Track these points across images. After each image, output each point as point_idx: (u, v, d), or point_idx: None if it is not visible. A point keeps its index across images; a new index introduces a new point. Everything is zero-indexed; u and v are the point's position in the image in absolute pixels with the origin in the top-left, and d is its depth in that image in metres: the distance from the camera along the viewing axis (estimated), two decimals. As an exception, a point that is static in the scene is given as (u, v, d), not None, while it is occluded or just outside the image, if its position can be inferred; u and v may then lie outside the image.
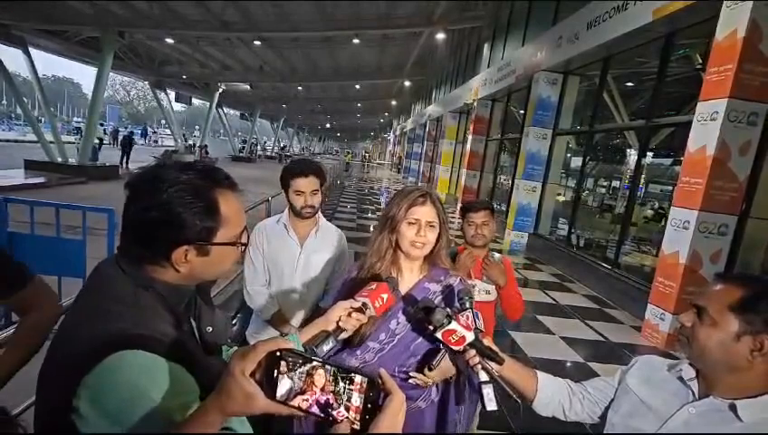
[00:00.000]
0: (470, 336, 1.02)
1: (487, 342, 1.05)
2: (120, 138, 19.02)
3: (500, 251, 2.19)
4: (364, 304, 1.03)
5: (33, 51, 13.41)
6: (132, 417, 0.61)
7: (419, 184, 20.25)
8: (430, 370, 1.14)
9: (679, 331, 0.93)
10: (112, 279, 0.75)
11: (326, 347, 0.96)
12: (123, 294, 0.73)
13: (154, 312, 0.73)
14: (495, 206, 11.42)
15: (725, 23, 4.04)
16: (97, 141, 16.48)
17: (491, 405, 0.99)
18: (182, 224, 0.73)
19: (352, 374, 0.58)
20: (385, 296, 1.06)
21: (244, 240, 0.82)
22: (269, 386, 0.58)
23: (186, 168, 0.76)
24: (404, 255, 1.27)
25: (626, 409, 1.02)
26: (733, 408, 0.84)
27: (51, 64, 52.23)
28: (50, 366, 0.71)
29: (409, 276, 1.30)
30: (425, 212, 1.23)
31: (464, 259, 1.91)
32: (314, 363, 0.58)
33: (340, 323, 1.01)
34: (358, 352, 1.23)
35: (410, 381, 1.20)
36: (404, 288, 1.28)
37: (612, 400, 1.08)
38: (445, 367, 1.17)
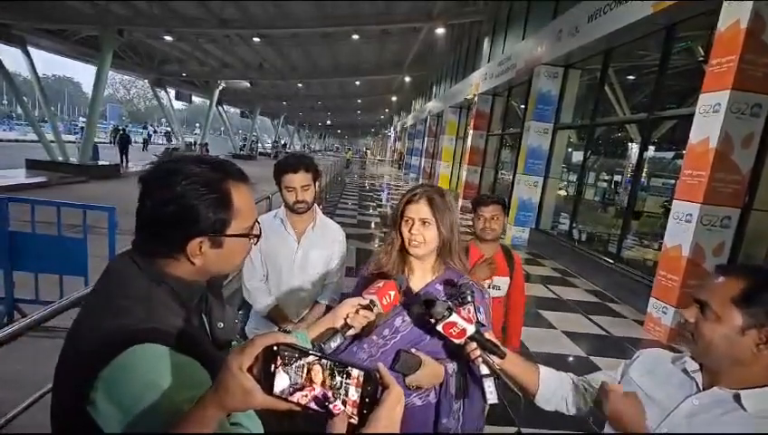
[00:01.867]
0: (470, 329, 1.02)
1: (489, 335, 1.05)
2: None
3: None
4: (372, 302, 1.04)
5: (32, 50, 13.41)
6: (145, 410, 0.63)
7: (420, 180, 20.23)
8: (398, 373, 1.14)
9: (682, 326, 0.92)
10: (126, 275, 0.76)
11: (334, 344, 0.98)
12: (137, 289, 0.74)
13: (166, 307, 0.75)
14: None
15: (728, 14, 4.00)
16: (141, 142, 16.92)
17: (492, 398, 1.00)
18: (196, 216, 0.74)
19: (349, 368, 0.57)
20: (392, 294, 1.07)
21: (256, 232, 0.84)
22: (267, 381, 0.58)
23: (198, 161, 0.78)
24: (407, 253, 1.28)
25: None
26: (737, 398, 0.84)
27: (51, 64, 52.24)
28: (65, 361, 0.72)
29: (421, 277, 1.30)
30: (416, 209, 1.23)
31: (482, 269, 1.95)
32: (311, 358, 0.58)
33: (348, 321, 1.02)
34: (365, 345, 1.23)
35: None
36: (414, 287, 1.28)
37: None
38: (425, 373, 1.16)
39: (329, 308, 1.87)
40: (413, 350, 1.18)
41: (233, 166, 0.81)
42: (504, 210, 2.10)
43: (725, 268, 0.89)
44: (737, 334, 0.82)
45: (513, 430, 2.57)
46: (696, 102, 4.32)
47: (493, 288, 2.08)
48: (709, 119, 4.08)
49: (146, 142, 30.18)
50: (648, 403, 0.96)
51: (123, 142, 16.76)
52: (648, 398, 0.97)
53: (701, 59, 5.83)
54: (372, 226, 8.94)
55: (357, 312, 1.03)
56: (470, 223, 2.27)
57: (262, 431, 0.77)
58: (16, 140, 26.00)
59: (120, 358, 0.64)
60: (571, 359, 3.80)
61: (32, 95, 25.61)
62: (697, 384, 0.91)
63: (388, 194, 15.95)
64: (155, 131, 39.56)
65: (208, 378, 0.70)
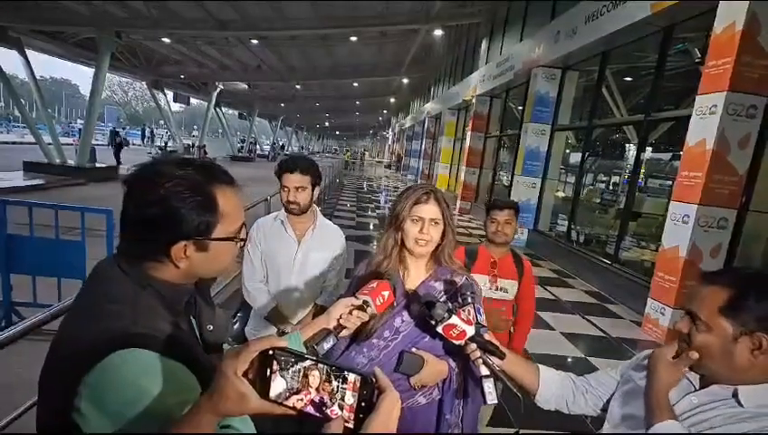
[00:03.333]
0: (470, 331, 1.02)
1: (488, 336, 1.05)
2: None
3: None
4: (365, 302, 1.03)
5: (30, 52, 13.35)
6: (132, 416, 0.62)
7: (419, 181, 20.22)
8: (403, 374, 1.14)
9: (679, 337, 0.92)
10: (111, 279, 0.75)
11: (326, 345, 0.97)
12: (122, 293, 0.72)
13: (153, 311, 0.73)
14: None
15: (724, 16, 4.03)
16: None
17: (491, 399, 1.00)
18: (180, 219, 0.73)
19: (345, 373, 0.57)
20: (386, 294, 1.07)
21: (242, 236, 0.82)
22: (262, 386, 0.57)
23: (183, 164, 0.77)
24: (409, 252, 1.28)
25: (628, 399, 1.02)
26: (735, 394, 0.85)
27: (48, 66, 52.06)
28: (50, 366, 0.71)
29: (416, 274, 1.31)
30: (428, 210, 1.24)
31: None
32: (307, 362, 0.58)
33: (341, 321, 1.02)
34: (365, 349, 1.23)
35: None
36: (410, 286, 1.29)
37: (614, 392, 1.08)
38: (429, 371, 1.16)
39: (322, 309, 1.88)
40: (413, 349, 1.18)
41: (219, 168, 0.80)
42: (517, 215, 2.12)
43: (710, 276, 0.89)
44: (730, 343, 0.83)
45: (511, 431, 2.57)
46: (693, 104, 4.34)
47: (500, 290, 2.09)
48: (706, 120, 4.09)
49: (165, 145, 30.45)
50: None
51: (119, 146, 16.80)
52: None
53: (697, 60, 5.87)
54: (371, 227, 8.94)
55: (350, 312, 1.02)
56: (465, 224, 2.28)
57: (254, 433, 0.76)
58: (14, 143, 25.91)
59: (104, 362, 0.63)
60: (569, 360, 3.80)
61: (29, 97, 25.59)
62: (693, 384, 0.92)
63: (387, 196, 15.94)
64: (152, 132, 39.41)
65: (196, 382, 0.70)
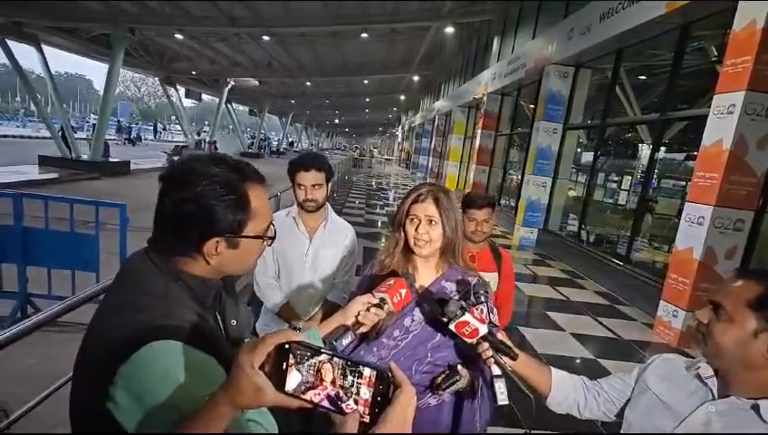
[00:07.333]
0: (483, 329, 1.01)
1: (501, 336, 1.04)
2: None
3: (509, 247, 2.18)
4: (382, 300, 1.04)
5: (45, 48, 13.55)
6: (164, 405, 0.64)
7: (428, 180, 20.16)
8: (438, 387, 1.14)
9: (695, 327, 0.91)
10: (143, 272, 0.77)
11: (345, 341, 0.99)
12: (154, 285, 0.75)
13: (184, 304, 0.76)
14: (505, 201, 11.34)
15: (744, 13, 3.94)
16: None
17: (503, 400, 0.99)
18: (214, 216, 0.75)
19: (361, 367, 0.57)
20: (403, 292, 1.07)
21: (270, 234, 0.85)
22: (278, 379, 0.58)
23: (218, 161, 0.79)
24: (414, 253, 1.27)
25: (643, 407, 1.00)
26: (755, 408, 0.83)
27: (62, 61, 52.75)
28: (85, 356, 0.73)
29: (426, 274, 1.30)
30: (422, 208, 1.23)
31: None
32: (323, 356, 0.58)
33: (359, 318, 1.02)
34: (374, 348, 1.23)
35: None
36: (421, 286, 1.28)
37: (629, 398, 1.06)
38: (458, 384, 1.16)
39: (338, 306, 1.88)
40: (459, 367, 1.15)
41: (251, 167, 0.83)
42: (494, 209, 2.05)
43: (743, 272, 0.88)
44: (749, 337, 0.81)
45: (521, 431, 2.56)
46: (709, 103, 4.25)
47: None
48: (723, 120, 4.01)
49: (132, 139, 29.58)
50: (662, 409, 0.94)
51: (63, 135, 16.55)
52: (663, 403, 0.96)
53: (714, 59, 5.75)
54: (379, 224, 8.95)
55: (368, 310, 1.03)
56: None
57: (275, 427, 0.78)
58: (29, 137, 26.36)
59: (138, 353, 0.65)
60: (578, 361, 3.76)
61: (44, 92, 25.95)
62: (712, 392, 0.90)
63: (395, 194, 15.93)
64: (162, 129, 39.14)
65: (224, 374, 0.71)
